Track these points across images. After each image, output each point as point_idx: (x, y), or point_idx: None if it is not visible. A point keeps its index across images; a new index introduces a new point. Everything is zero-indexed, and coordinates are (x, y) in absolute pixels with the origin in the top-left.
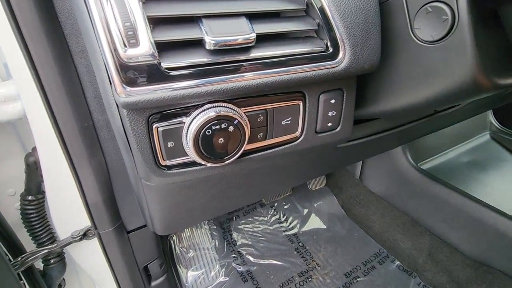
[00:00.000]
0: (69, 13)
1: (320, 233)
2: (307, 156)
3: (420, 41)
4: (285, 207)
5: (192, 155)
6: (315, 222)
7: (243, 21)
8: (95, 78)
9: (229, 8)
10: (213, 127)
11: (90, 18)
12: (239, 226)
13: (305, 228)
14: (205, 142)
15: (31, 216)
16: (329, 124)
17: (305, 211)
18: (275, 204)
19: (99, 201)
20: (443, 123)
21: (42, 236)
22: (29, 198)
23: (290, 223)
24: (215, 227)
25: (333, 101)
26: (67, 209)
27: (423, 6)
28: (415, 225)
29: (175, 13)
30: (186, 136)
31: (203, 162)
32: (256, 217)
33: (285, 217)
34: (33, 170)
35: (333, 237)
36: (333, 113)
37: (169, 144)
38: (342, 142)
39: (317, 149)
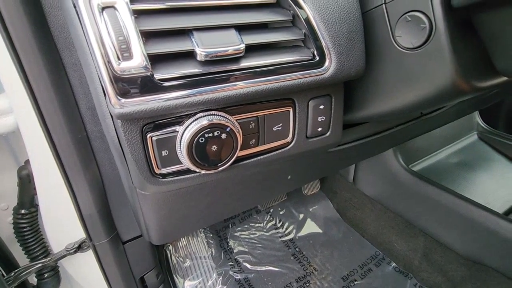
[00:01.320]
0: (62, 27)
1: (316, 238)
2: (299, 161)
3: (402, 48)
4: (281, 212)
5: (186, 163)
6: (311, 227)
7: (233, 32)
8: (88, 89)
9: (218, 20)
10: (206, 135)
11: (84, 33)
12: (235, 234)
13: (301, 233)
14: (199, 150)
15: (24, 230)
16: (319, 129)
17: (301, 216)
18: (271, 210)
19: (93, 212)
20: (432, 125)
21: (35, 250)
22: (22, 211)
23: (286, 229)
24: (211, 235)
25: (322, 106)
26: (61, 222)
27: (402, 15)
28: (409, 227)
29: (167, 27)
30: (180, 144)
31: (197, 170)
32: (252, 224)
33: (281, 222)
34: (26, 183)
35: (329, 241)
36: (323, 118)
37: (163, 153)
38: (332, 147)
39: (308, 154)
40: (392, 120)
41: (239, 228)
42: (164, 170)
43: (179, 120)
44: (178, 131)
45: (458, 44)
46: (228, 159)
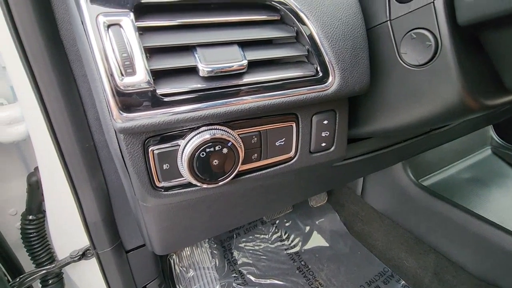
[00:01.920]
0: (73, 40)
1: (322, 251)
2: (303, 175)
3: (407, 65)
4: (287, 224)
5: (187, 177)
6: (317, 240)
7: (235, 49)
8: None
9: (221, 37)
10: (208, 149)
11: (90, 49)
12: (240, 245)
13: (307, 246)
14: (200, 164)
15: (31, 235)
16: (323, 144)
17: (307, 228)
18: (277, 222)
19: (98, 220)
20: (442, 140)
21: (41, 256)
22: (30, 217)
23: (292, 241)
24: (215, 245)
25: (326, 122)
26: (67, 229)
27: (407, 32)
28: (419, 243)
29: (170, 43)
30: (181, 158)
31: (198, 184)
32: (257, 235)
33: (286, 234)
34: (34, 189)
35: (335, 255)
36: (327, 133)
37: (165, 166)
38: (337, 161)
39: (312, 168)
40: (399, 135)
41: (243, 239)
42: (165, 183)
43: (181, 134)
44: (179, 145)
45: (465, 61)
46: (229, 174)
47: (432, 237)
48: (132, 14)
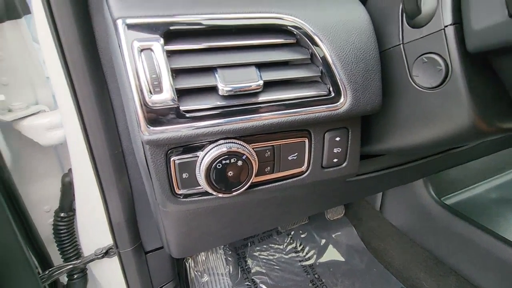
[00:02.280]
0: (110, 57)
1: (337, 266)
2: (316, 189)
3: (419, 87)
4: (302, 236)
5: (204, 186)
6: (332, 254)
7: (253, 70)
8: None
9: (241, 59)
10: (224, 161)
11: (124, 68)
12: (254, 253)
13: (322, 260)
14: (216, 175)
15: (62, 231)
16: (335, 160)
17: (323, 241)
18: (292, 232)
19: (122, 221)
20: (463, 159)
21: (69, 251)
22: (62, 214)
23: (307, 253)
24: (230, 252)
25: (338, 138)
26: (93, 228)
27: (419, 56)
28: (439, 264)
29: (194, 65)
30: (199, 168)
31: (214, 193)
32: (272, 245)
33: (301, 246)
34: (67, 189)
35: (351, 270)
36: (339, 149)
37: (184, 175)
38: (350, 177)
39: (325, 183)
40: (413, 154)
41: (258, 248)
42: (184, 191)
43: (200, 146)
44: (198, 156)
45: (477, 85)
46: (243, 185)
47: (453, 258)
48: (162, 40)
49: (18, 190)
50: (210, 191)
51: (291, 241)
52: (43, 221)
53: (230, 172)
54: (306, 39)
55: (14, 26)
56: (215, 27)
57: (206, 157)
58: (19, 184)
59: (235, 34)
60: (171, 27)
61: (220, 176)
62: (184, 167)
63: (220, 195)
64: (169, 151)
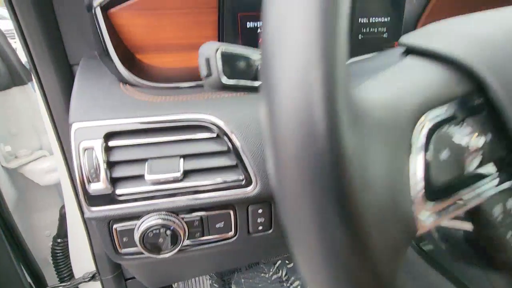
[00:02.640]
0: None
1: None
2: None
3: None
4: (289, 266)
5: (139, 249)
6: None
7: (177, 161)
8: None
9: (168, 152)
10: (154, 231)
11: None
12: (240, 280)
13: None
14: (149, 241)
15: (58, 254)
16: (260, 228)
17: None
18: (278, 262)
19: (103, 253)
20: None
21: (64, 272)
22: (58, 240)
23: (291, 284)
24: (216, 278)
25: (261, 210)
26: (82, 254)
27: None
28: None
29: (128, 158)
30: (136, 234)
31: (148, 254)
32: (258, 273)
33: (286, 276)
34: (64, 219)
35: None
36: (263, 219)
37: (124, 239)
38: (280, 239)
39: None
40: None
41: (244, 275)
42: (125, 250)
43: (138, 216)
44: (136, 224)
45: None
46: (173, 249)
47: None
48: (102, 140)
49: (15, 220)
50: (145, 252)
51: (277, 270)
52: (44, 244)
53: (161, 239)
54: (223, 135)
55: (21, 90)
56: (150, 127)
57: (141, 226)
58: (24, 214)
59: (166, 130)
60: (109, 130)
61: (153, 241)
62: (124, 233)
63: (154, 256)
64: (110, 221)
